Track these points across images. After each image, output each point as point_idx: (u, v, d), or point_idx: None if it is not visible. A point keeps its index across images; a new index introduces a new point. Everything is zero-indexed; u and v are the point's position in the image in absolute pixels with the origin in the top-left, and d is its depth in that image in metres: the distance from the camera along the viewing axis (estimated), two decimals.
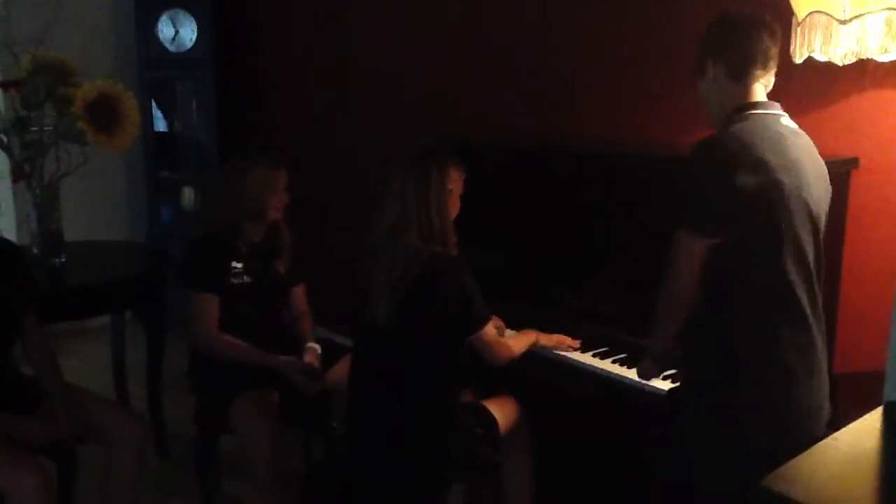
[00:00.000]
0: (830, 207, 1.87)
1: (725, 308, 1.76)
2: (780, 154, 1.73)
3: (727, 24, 1.87)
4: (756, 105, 1.82)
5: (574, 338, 2.40)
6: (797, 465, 1.24)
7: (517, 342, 2.34)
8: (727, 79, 1.85)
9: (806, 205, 1.76)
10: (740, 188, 1.67)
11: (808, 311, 1.76)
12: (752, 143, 1.72)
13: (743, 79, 1.83)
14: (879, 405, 1.52)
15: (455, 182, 2.19)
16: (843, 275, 2.26)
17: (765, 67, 1.85)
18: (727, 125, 1.78)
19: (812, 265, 1.78)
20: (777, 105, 1.84)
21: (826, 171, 1.86)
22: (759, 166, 1.70)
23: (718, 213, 1.70)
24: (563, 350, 2.37)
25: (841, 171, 2.21)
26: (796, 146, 1.78)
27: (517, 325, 2.51)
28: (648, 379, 2.06)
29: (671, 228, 1.76)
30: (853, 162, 2.21)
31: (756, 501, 1.21)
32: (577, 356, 2.35)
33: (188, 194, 4.61)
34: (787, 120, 1.84)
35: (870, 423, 1.42)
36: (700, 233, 1.71)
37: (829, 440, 1.34)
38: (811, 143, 1.85)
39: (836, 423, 1.67)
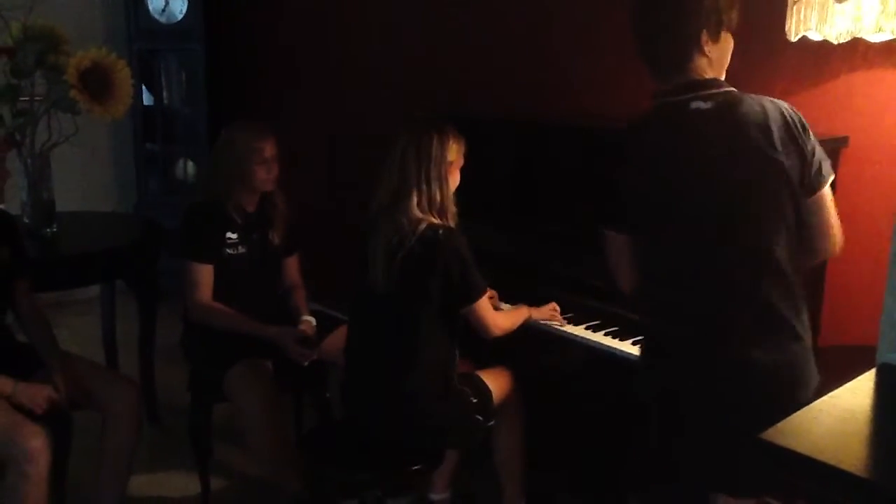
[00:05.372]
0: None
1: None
2: (681, 147, 1.70)
3: None
4: (670, 92, 1.72)
5: (567, 310, 2.43)
6: (796, 419, 1.30)
7: (509, 317, 2.35)
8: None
9: (703, 199, 1.69)
10: (641, 181, 1.74)
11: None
12: (660, 133, 1.73)
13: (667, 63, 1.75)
14: None
15: (455, 154, 2.21)
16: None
17: (698, 44, 1.72)
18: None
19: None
20: (698, 85, 1.69)
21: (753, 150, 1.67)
22: (665, 157, 1.72)
23: (626, 205, 1.80)
24: (555, 323, 2.40)
25: (831, 149, 2.25)
26: (693, 136, 1.69)
27: (512, 296, 2.54)
28: None
29: None
30: (843, 140, 2.26)
31: (756, 453, 1.25)
32: (570, 329, 2.38)
33: (183, 166, 4.60)
34: (700, 102, 1.68)
35: (864, 384, 1.49)
36: (612, 228, 1.85)
37: (826, 398, 1.40)
38: (733, 124, 1.66)
39: (823, 391, 1.71)
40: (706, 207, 1.67)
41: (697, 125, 1.68)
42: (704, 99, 1.68)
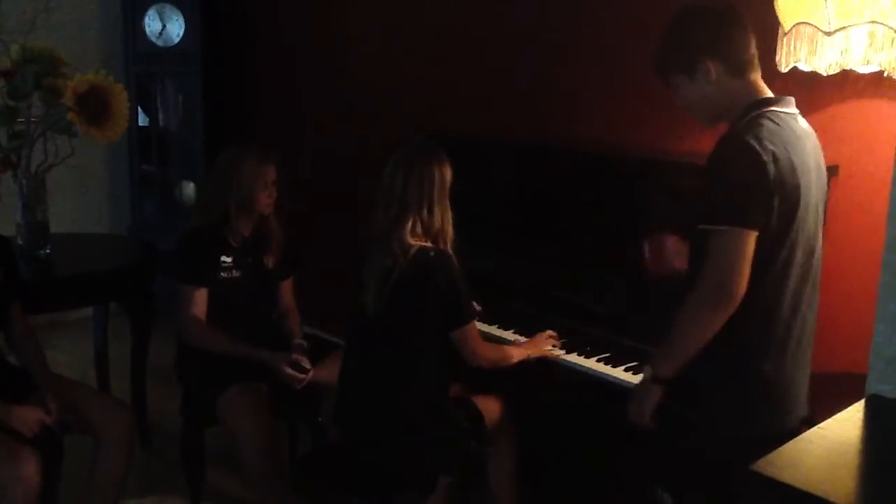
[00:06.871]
0: None
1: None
2: (799, 156, 1.77)
3: (714, 18, 1.83)
4: (775, 101, 1.81)
5: (560, 335, 2.43)
6: (786, 451, 1.31)
7: (499, 350, 2.33)
8: (728, 76, 1.82)
9: (814, 209, 1.82)
10: (776, 184, 1.70)
11: (786, 310, 1.80)
12: (785, 142, 1.74)
13: (745, 74, 1.82)
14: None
15: (450, 178, 2.23)
16: (821, 280, 2.33)
17: (756, 60, 1.85)
18: (750, 119, 1.76)
19: (806, 271, 1.83)
20: (792, 102, 1.84)
21: (825, 176, 1.90)
22: (791, 166, 1.73)
23: (762, 205, 1.70)
24: (550, 355, 2.38)
25: None
26: (807, 149, 1.81)
27: (507, 319, 2.55)
28: (642, 420, 1.87)
29: (696, 227, 1.75)
30: (833, 170, 2.28)
31: (746, 484, 1.26)
32: (563, 355, 2.38)
33: (179, 188, 4.61)
34: (801, 120, 1.84)
35: (853, 414, 1.50)
36: (750, 225, 1.69)
37: (815, 429, 1.41)
38: (818, 144, 1.87)
39: (812, 420, 1.73)
40: (808, 218, 1.79)
41: (803, 138, 1.81)
42: (799, 116, 1.84)
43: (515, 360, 2.32)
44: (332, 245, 3.71)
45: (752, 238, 1.69)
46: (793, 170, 1.74)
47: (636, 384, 2.01)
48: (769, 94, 1.84)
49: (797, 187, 1.75)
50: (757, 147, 1.69)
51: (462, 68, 3.39)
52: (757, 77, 1.85)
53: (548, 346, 2.39)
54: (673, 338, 1.79)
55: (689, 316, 1.74)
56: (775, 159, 1.70)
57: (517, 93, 3.19)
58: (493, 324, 2.55)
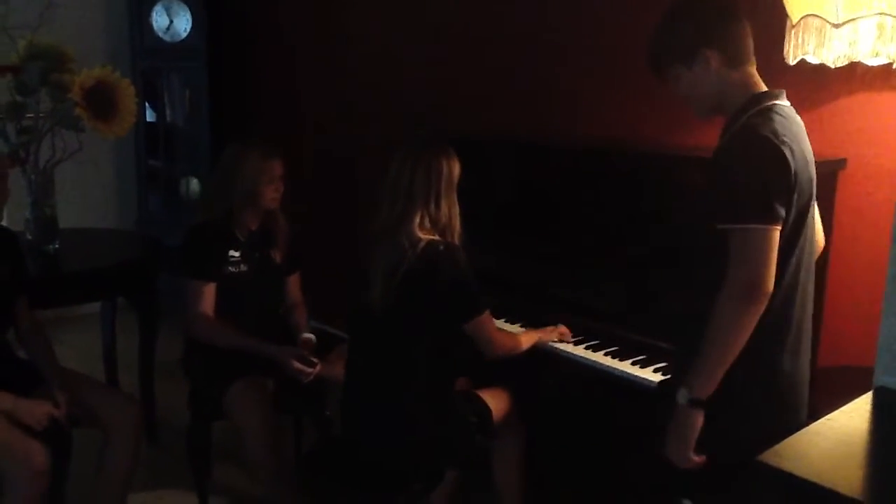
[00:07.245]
0: (818, 206, 1.90)
1: None
2: (806, 148, 1.77)
3: (711, 9, 1.82)
4: (775, 95, 1.79)
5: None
6: (792, 442, 1.30)
7: (514, 338, 2.34)
8: (726, 66, 1.79)
9: (814, 201, 1.82)
10: (795, 179, 1.68)
11: (798, 301, 1.79)
12: (795, 136, 1.73)
13: (743, 66, 1.80)
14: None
15: (459, 173, 2.22)
16: (829, 273, 2.33)
17: (752, 52, 1.83)
18: (757, 113, 1.74)
19: (810, 264, 1.83)
20: (785, 94, 1.83)
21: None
22: (805, 160, 1.73)
23: (783, 200, 1.67)
24: (565, 342, 2.38)
25: (829, 171, 2.27)
26: (807, 141, 1.80)
27: (512, 316, 2.55)
28: (686, 458, 1.74)
29: (703, 225, 1.73)
30: (841, 162, 2.28)
31: (752, 475, 1.26)
32: (569, 348, 2.39)
33: (185, 183, 4.62)
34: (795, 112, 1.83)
35: (861, 406, 1.49)
36: (776, 221, 1.66)
37: (823, 420, 1.41)
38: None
39: (819, 413, 1.72)
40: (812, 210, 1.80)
41: (804, 131, 1.80)
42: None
43: (528, 345, 2.33)
44: (332, 243, 3.71)
45: (777, 234, 1.66)
46: (805, 163, 1.74)
47: (669, 409, 1.82)
48: (764, 87, 1.82)
49: (810, 181, 1.75)
50: (776, 141, 1.67)
51: (462, 68, 3.39)
52: (753, 70, 1.83)
53: (557, 335, 2.39)
54: (707, 349, 1.68)
55: (723, 320, 1.65)
56: (792, 153, 1.69)
57: (517, 93, 3.19)
58: (500, 318, 2.55)
